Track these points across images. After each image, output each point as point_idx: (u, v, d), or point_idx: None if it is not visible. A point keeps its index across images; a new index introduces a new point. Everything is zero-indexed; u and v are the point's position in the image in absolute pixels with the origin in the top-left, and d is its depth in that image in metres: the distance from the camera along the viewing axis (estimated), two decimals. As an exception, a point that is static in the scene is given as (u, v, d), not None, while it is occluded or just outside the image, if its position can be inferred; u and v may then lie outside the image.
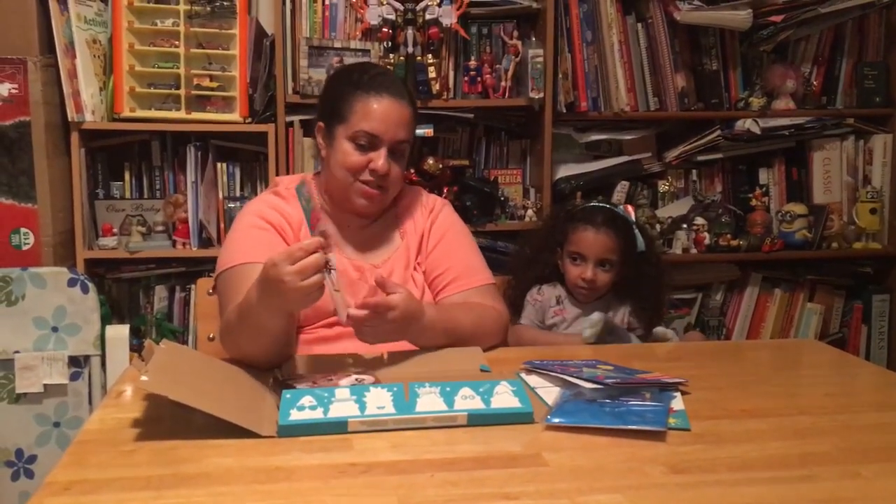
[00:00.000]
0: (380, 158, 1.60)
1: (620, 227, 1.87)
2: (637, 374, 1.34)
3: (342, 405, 1.16)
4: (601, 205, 1.94)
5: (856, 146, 2.78)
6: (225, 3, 2.38)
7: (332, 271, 1.29)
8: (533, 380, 1.36)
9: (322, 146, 1.70)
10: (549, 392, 1.29)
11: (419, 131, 2.45)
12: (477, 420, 1.16)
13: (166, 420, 1.18)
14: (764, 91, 2.68)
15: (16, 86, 2.21)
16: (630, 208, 1.94)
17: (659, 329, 1.78)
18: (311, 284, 1.26)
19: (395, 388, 1.20)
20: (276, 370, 1.38)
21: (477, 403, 1.18)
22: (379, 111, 1.61)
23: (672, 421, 1.16)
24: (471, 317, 1.60)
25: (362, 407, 1.16)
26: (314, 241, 1.27)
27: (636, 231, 1.90)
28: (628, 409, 1.18)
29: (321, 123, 1.71)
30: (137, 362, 1.20)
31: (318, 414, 1.14)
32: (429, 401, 1.18)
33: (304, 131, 2.48)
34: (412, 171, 2.54)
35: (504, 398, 1.20)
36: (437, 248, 1.72)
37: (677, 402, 1.24)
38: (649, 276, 1.91)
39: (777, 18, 2.60)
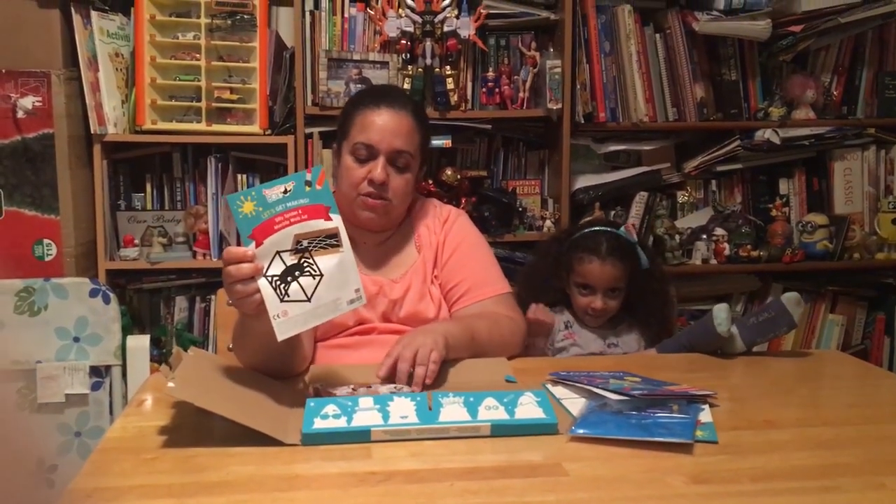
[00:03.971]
0: (377, 168, 1.61)
1: (626, 253, 1.86)
2: (665, 386, 1.33)
3: (365, 414, 1.16)
4: (603, 229, 1.92)
5: (877, 156, 2.76)
6: (245, 17, 2.40)
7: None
8: (559, 391, 1.35)
9: (335, 167, 1.73)
10: (575, 403, 1.28)
11: (437, 142, 2.46)
12: (500, 430, 1.15)
13: (187, 428, 1.19)
14: (784, 101, 2.67)
15: (40, 99, 2.24)
16: (631, 227, 1.92)
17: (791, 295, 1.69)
18: (237, 291, 1.24)
19: (418, 398, 1.21)
20: (316, 383, 1.37)
21: (500, 414, 1.17)
22: (376, 122, 1.63)
23: (699, 433, 1.14)
24: (487, 325, 1.59)
25: (385, 416, 1.16)
26: (241, 250, 1.24)
27: (639, 250, 1.89)
28: (654, 421, 1.17)
29: (335, 145, 1.76)
30: (165, 369, 1.21)
31: (341, 423, 1.14)
32: (452, 411, 1.18)
33: (323, 143, 2.50)
34: (430, 181, 2.55)
35: (528, 409, 1.19)
36: (452, 259, 1.72)
37: (705, 415, 1.22)
38: (654, 290, 1.91)
39: (796, 28, 2.59)
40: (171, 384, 1.14)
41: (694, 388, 1.31)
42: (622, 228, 1.91)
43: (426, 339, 1.40)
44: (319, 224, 1.25)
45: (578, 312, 1.90)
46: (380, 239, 1.72)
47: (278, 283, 1.24)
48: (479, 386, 1.32)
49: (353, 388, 1.31)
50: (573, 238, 1.92)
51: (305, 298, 1.25)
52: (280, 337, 1.23)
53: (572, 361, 1.67)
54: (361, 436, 1.13)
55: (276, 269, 1.24)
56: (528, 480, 1.02)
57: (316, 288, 1.25)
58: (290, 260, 1.24)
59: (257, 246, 1.24)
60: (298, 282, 1.24)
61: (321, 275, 1.25)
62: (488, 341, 1.57)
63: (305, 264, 1.25)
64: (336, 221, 1.26)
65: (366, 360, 1.55)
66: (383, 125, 1.62)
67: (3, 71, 2.22)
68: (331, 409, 1.17)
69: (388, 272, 1.70)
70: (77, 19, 2.29)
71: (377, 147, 1.62)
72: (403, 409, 1.17)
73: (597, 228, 1.92)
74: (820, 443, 1.15)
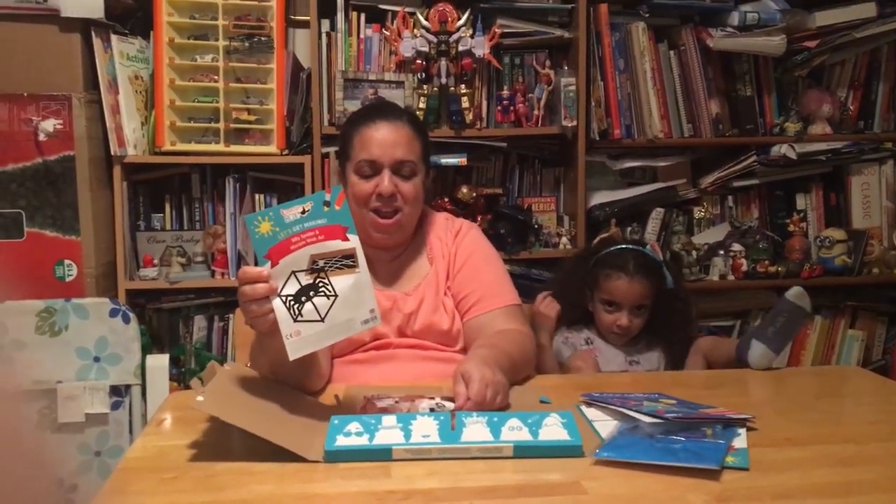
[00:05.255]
0: (383, 181, 1.63)
1: (652, 271, 1.87)
2: (700, 409, 1.30)
3: (388, 432, 1.16)
4: (631, 247, 1.92)
5: (894, 170, 2.74)
6: (262, 39, 2.43)
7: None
8: (592, 412, 1.33)
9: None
10: (607, 425, 1.26)
11: (452, 160, 2.48)
12: (523, 452, 1.14)
13: (207, 447, 1.20)
14: (800, 116, 2.66)
15: (61, 121, 2.27)
16: (656, 246, 1.93)
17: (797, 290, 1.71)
18: (251, 311, 1.26)
19: (441, 417, 1.20)
20: (367, 393, 1.37)
21: (524, 435, 1.16)
22: (375, 137, 1.65)
23: (730, 459, 1.11)
24: (519, 351, 1.58)
25: (407, 435, 1.15)
26: (256, 270, 1.25)
27: (665, 270, 1.90)
28: (683, 445, 1.13)
29: (340, 168, 1.77)
30: (196, 384, 1.23)
31: (363, 440, 1.15)
32: (475, 430, 1.17)
33: (339, 161, 2.51)
34: (446, 199, 2.56)
35: (553, 430, 1.17)
36: (463, 270, 1.72)
37: (740, 440, 1.19)
38: (677, 310, 1.91)
39: (811, 44, 2.59)
40: (199, 398, 1.15)
41: (731, 412, 1.28)
42: (647, 247, 1.92)
43: (499, 378, 1.36)
44: (336, 244, 1.26)
45: (603, 330, 1.90)
46: (393, 254, 1.73)
47: (292, 302, 1.24)
48: (513, 406, 1.32)
49: (396, 401, 1.31)
50: (599, 255, 1.93)
51: (319, 319, 1.25)
52: (292, 356, 1.24)
53: (603, 378, 1.64)
54: (383, 454, 1.13)
55: (291, 288, 1.25)
56: (547, 499, 1.02)
57: (330, 308, 1.25)
58: (306, 280, 1.25)
59: (273, 266, 1.25)
60: (313, 302, 1.25)
61: (336, 295, 1.25)
62: (519, 363, 1.56)
63: (320, 284, 1.25)
64: (353, 242, 1.27)
65: (383, 375, 1.55)
66: (382, 139, 1.64)
67: (25, 94, 2.26)
68: (354, 426, 1.17)
69: (402, 286, 1.71)
70: (97, 43, 2.32)
71: (380, 161, 1.64)
72: (426, 429, 1.17)
73: (623, 246, 1.93)
74: (841, 460, 1.14)
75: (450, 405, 1.32)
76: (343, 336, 1.28)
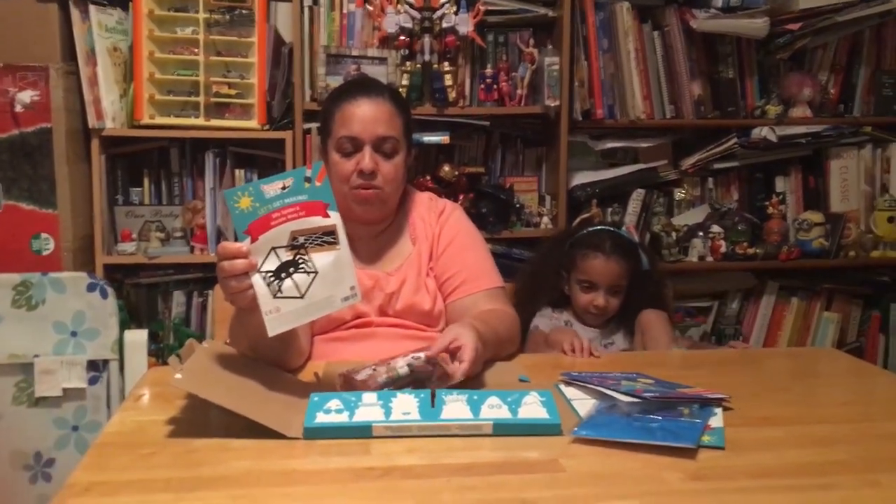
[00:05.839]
0: (364, 157, 1.62)
1: (627, 252, 1.88)
2: (678, 389, 1.31)
3: (368, 409, 1.16)
4: (607, 229, 1.94)
5: (873, 154, 2.77)
6: (244, 12, 2.40)
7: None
8: (570, 391, 1.34)
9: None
10: (585, 404, 1.27)
11: (435, 138, 2.47)
12: (502, 430, 1.15)
13: (185, 423, 1.19)
14: (781, 99, 2.68)
15: (38, 93, 2.24)
16: (633, 229, 1.95)
17: None
18: (230, 286, 1.26)
19: (421, 395, 1.20)
20: (341, 369, 1.36)
21: (503, 413, 1.17)
22: (356, 113, 1.63)
23: (707, 438, 1.12)
24: (502, 325, 1.59)
25: (387, 412, 1.16)
26: (235, 246, 1.25)
27: (640, 251, 1.92)
28: (661, 424, 1.14)
29: (320, 145, 1.76)
30: (174, 361, 1.22)
31: (343, 417, 1.15)
32: (455, 408, 1.17)
33: (321, 138, 2.50)
34: (428, 178, 2.55)
35: (532, 409, 1.18)
36: (447, 252, 1.72)
37: (717, 420, 1.20)
38: (650, 294, 1.92)
39: (794, 26, 2.60)
40: (178, 375, 1.15)
41: (707, 391, 1.30)
42: (623, 229, 1.94)
43: (473, 340, 1.36)
44: (317, 221, 1.25)
45: (579, 311, 1.91)
46: (375, 232, 1.72)
47: (272, 279, 1.24)
48: (492, 385, 1.32)
49: (374, 368, 1.31)
50: (576, 236, 1.94)
51: (299, 295, 1.25)
52: (271, 333, 1.24)
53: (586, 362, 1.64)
54: (363, 431, 1.13)
55: (271, 265, 1.24)
56: (526, 476, 1.02)
57: (310, 285, 1.25)
58: (286, 256, 1.25)
59: (253, 241, 1.24)
60: (293, 278, 1.24)
61: (316, 272, 1.25)
62: (505, 340, 1.58)
63: (300, 261, 1.25)
64: (334, 218, 1.26)
65: (364, 353, 1.55)
66: (363, 115, 1.63)
67: (2, 65, 2.22)
68: (334, 403, 1.17)
69: (384, 265, 1.70)
70: (75, 14, 2.28)
71: (360, 137, 1.63)
72: (406, 406, 1.17)
73: (599, 227, 1.94)
74: (816, 440, 1.16)
75: (424, 356, 1.30)
76: (323, 313, 1.28)
